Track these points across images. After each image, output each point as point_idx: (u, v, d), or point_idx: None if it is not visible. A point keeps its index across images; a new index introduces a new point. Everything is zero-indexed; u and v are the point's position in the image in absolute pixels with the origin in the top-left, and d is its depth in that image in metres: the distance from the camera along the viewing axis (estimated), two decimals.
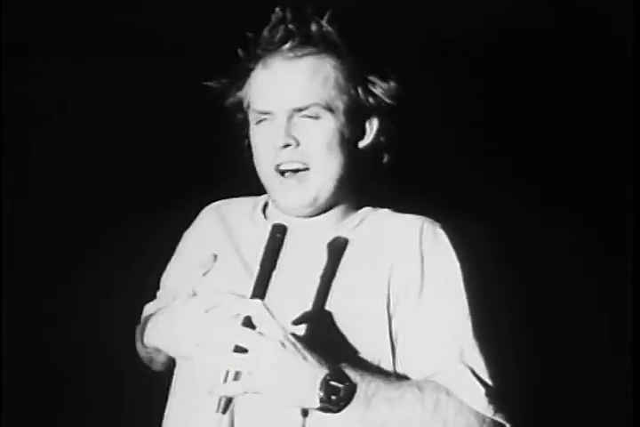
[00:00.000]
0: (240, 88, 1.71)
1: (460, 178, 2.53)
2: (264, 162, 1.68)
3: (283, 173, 1.66)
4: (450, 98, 2.50)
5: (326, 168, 1.66)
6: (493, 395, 1.55)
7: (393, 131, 1.72)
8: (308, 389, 1.43)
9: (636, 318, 2.08)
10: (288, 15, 1.66)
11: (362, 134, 1.70)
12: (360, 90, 1.68)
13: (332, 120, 1.65)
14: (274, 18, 1.67)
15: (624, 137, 2.20)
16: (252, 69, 1.69)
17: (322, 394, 1.42)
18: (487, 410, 1.54)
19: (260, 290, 1.46)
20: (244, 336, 1.41)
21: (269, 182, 1.69)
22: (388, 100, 1.68)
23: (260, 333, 1.41)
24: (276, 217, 1.70)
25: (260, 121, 1.68)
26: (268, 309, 1.43)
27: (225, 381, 1.39)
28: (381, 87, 1.68)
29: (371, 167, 1.74)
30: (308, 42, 1.66)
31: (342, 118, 1.66)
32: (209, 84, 1.74)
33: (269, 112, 1.66)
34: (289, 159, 1.65)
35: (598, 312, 2.58)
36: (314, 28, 1.66)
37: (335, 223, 1.71)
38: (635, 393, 2.02)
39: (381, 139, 1.72)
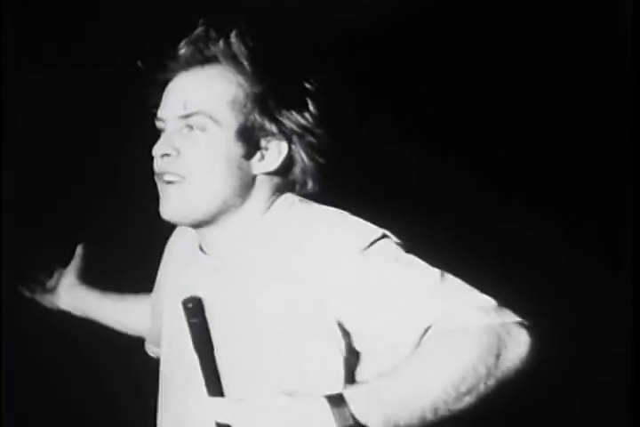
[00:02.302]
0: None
1: (450, 184, 2.47)
2: (154, 169, 1.65)
3: (167, 182, 1.62)
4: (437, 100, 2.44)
5: (205, 182, 1.60)
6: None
7: (307, 159, 1.63)
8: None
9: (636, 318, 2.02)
10: (208, 29, 1.62)
11: (262, 159, 1.62)
12: (261, 114, 1.60)
13: (218, 134, 1.60)
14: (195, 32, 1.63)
15: (623, 137, 2.11)
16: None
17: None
18: (500, 315, 1.49)
19: (216, 386, 1.43)
20: None
21: (159, 189, 1.65)
22: (293, 129, 1.60)
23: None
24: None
25: (160, 129, 1.65)
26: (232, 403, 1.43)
27: None
28: (290, 117, 1.60)
29: (288, 190, 1.67)
30: (213, 57, 1.62)
31: (232, 135, 1.59)
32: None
33: (161, 119, 1.64)
34: (167, 169, 1.61)
35: (598, 313, 2.52)
36: (221, 45, 1.61)
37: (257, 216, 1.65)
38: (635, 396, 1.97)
39: (295, 167, 1.64)
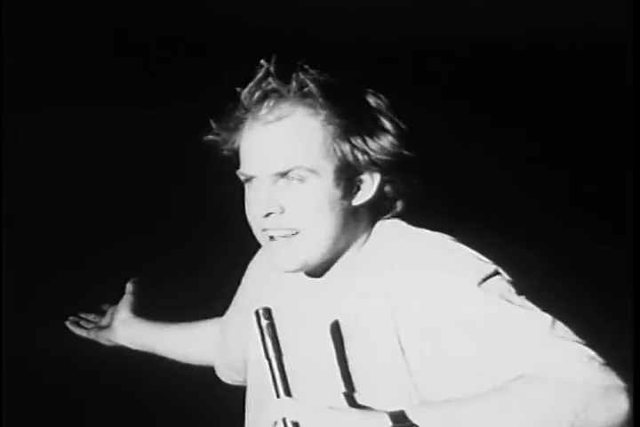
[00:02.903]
0: (234, 142, 1.65)
1: (472, 189, 2.51)
2: (253, 224, 1.65)
3: (270, 237, 1.62)
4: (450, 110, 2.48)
5: (316, 232, 1.60)
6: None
7: (399, 181, 1.65)
8: None
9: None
10: (270, 70, 1.60)
11: (357, 190, 1.63)
12: (349, 149, 1.60)
13: (318, 182, 1.59)
14: (258, 74, 1.61)
15: (623, 139, 2.15)
16: (241, 127, 1.64)
17: None
18: (601, 375, 1.42)
19: (285, 386, 1.45)
20: None
21: (262, 243, 1.66)
22: (383, 157, 1.61)
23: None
24: None
25: (248, 183, 1.64)
26: (298, 402, 1.43)
27: None
28: (372, 146, 1.60)
29: (380, 214, 1.69)
30: (287, 101, 1.59)
31: (330, 179, 1.60)
32: (208, 137, 1.68)
33: (253, 176, 1.62)
34: (274, 226, 1.61)
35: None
36: (294, 86, 1.59)
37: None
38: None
39: (386, 189, 1.65)
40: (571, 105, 2.55)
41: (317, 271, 1.67)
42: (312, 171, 1.58)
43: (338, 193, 1.60)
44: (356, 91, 1.64)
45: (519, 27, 2.44)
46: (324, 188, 1.59)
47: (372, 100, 1.64)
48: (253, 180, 1.62)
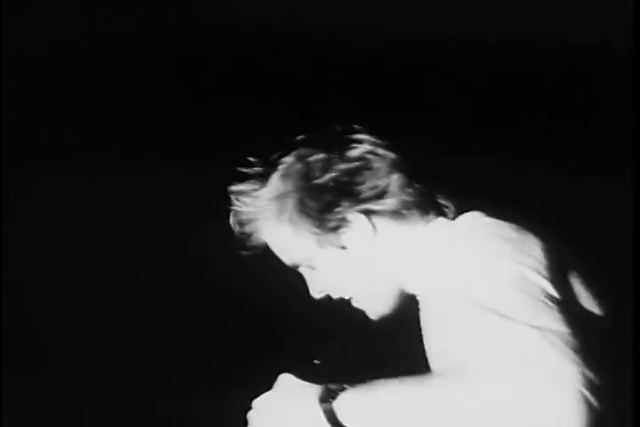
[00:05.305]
0: None
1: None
2: None
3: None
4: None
5: (364, 293, 1.72)
6: None
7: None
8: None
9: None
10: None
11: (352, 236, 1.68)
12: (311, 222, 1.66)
13: (324, 262, 1.71)
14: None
15: (623, 139, 2.18)
16: None
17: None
18: None
19: None
20: None
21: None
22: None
23: None
24: None
25: None
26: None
27: None
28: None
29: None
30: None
31: (326, 254, 1.70)
32: None
33: None
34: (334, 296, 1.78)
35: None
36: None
37: None
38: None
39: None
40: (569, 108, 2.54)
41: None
42: (308, 260, 1.69)
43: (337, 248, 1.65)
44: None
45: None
46: (332, 264, 1.67)
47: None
48: None
